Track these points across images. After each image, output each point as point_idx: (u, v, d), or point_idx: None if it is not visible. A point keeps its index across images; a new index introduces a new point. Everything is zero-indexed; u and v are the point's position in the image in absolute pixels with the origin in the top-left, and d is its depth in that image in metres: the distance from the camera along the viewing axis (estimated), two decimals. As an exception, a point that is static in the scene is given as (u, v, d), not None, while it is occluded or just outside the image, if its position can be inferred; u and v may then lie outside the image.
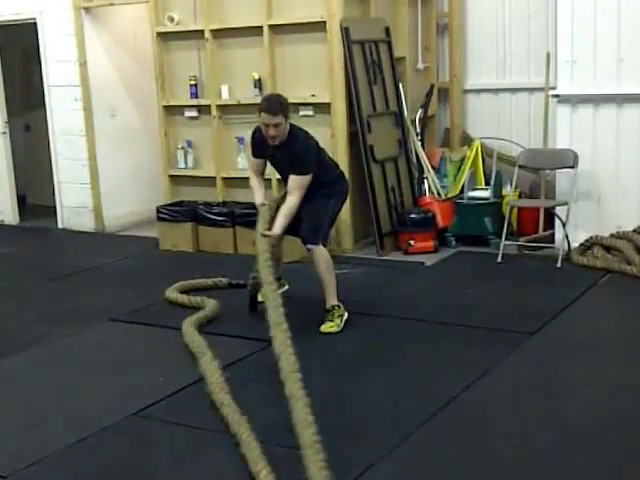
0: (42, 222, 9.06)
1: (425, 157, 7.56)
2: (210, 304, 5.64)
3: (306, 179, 5.21)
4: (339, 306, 5.29)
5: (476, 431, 3.88)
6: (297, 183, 5.20)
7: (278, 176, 6.17)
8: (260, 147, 5.41)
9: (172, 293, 5.99)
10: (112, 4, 8.06)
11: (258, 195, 5.45)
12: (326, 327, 5.21)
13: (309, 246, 5.27)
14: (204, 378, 4.39)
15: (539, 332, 5.06)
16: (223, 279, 6.26)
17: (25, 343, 5.32)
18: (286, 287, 5.93)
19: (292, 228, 5.34)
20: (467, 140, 8.02)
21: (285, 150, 5.24)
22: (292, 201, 5.20)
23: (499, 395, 4.26)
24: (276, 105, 5.14)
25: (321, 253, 5.29)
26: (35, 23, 8.48)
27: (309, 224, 5.33)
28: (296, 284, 5.84)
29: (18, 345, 5.28)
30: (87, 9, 8.19)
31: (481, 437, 3.82)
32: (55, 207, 8.88)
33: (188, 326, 5.21)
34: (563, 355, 4.76)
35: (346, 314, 5.30)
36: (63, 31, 8.30)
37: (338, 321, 5.22)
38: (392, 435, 3.81)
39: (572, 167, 6.60)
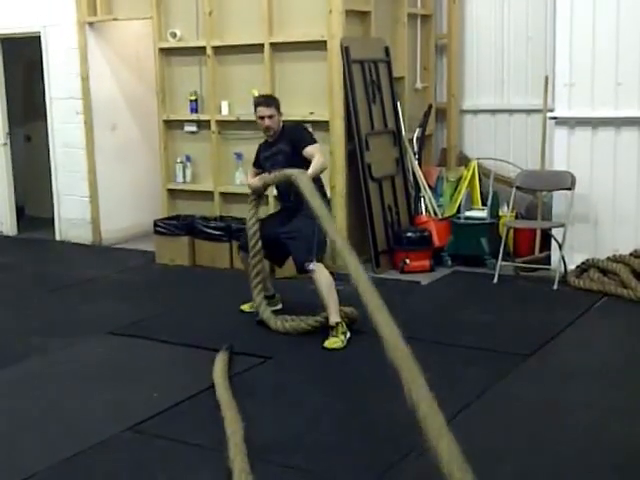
0: (40, 233, 9.08)
1: (422, 176, 7.60)
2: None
3: (318, 146, 5.60)
4: (342, 323, 5.28)
5: (472, 453, 3.85)
6: (314, 149, 5.53)
7: (275, 192, 6.25)
8: (261, 153, 5.79)
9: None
10: (115, 19, 8.12)
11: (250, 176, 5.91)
12: (330, 343, 5.20)
13: (310, 267, 5.28)
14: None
15: (535, 354, 5.05)
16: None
17: (22, 354, 5.31)
18: (279, 306, 5.93)
19: (277, 253, 5.72)
20: (464, 160, 8.07)
21: (282, 139, 5.63)
22: (320, 159, 5.45)
23: (495, 417, 4.26)
24: (270, 98, 5.82)
25: (322, 273, 5.32)
26: (39, 37, 8.53)
27: (298, 247, 5.41)
28: (293, 300, 5.88)
29: (15, 356, 5.27)
30: (91, 24, 8.24)
31: (477, 459, 3.79)
32: (53, 219, 8.90)
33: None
34: (559, 378, 4.76)
35: (349, 333, 5.29)
36: (66, 45, 8.36)
37: (342, 337, 5.21)
38: (387, 456, 3.80)
39: (569, 189, 6.63)
